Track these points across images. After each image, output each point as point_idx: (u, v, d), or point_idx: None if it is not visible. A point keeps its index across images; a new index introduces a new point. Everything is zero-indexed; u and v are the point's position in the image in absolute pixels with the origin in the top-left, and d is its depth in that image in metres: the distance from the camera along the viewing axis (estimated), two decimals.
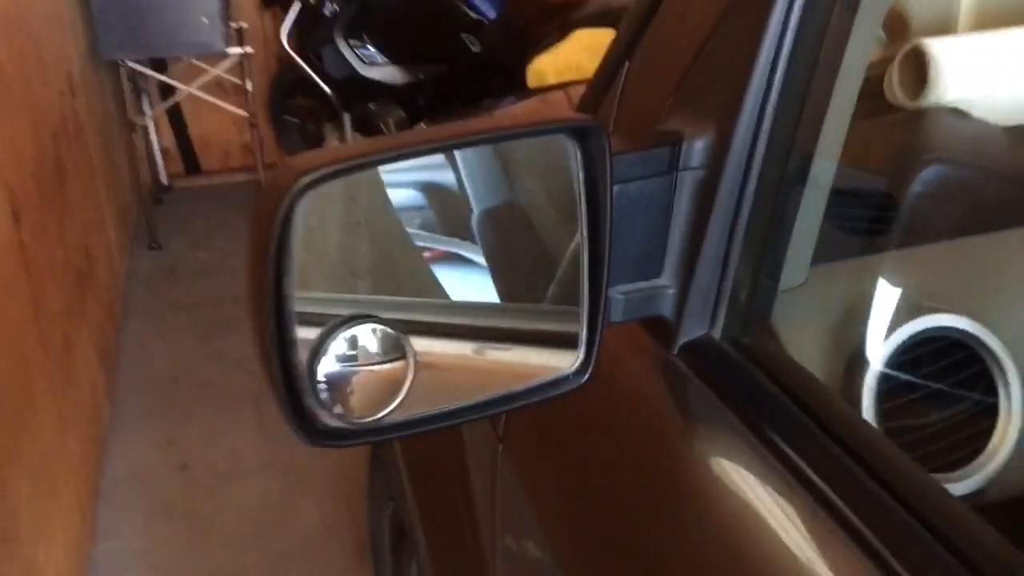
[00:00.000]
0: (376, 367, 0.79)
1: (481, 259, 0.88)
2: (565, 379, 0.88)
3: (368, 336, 0.79)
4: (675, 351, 0.94)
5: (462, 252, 0.90)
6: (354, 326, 0.76)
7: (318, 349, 0.75)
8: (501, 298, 0.92)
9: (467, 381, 0.85)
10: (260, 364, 0.77)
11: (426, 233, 0.91)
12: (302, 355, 0.75)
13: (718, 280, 0.91)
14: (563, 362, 0.89)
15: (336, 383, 0.77)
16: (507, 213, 0.96)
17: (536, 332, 0.91)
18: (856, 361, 0.95)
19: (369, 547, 2.24)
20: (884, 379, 0.95)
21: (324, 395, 0.76)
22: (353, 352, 0.79)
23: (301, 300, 0.74)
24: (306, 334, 0.75)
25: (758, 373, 0.87)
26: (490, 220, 0.94)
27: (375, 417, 0.79)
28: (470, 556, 1.30)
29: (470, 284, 0.91)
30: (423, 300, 0.89)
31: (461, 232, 0.89)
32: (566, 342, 0.90)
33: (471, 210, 0.89)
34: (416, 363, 0.80)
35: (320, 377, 0.75)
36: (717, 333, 0.93)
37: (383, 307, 0.83)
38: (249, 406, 3.17)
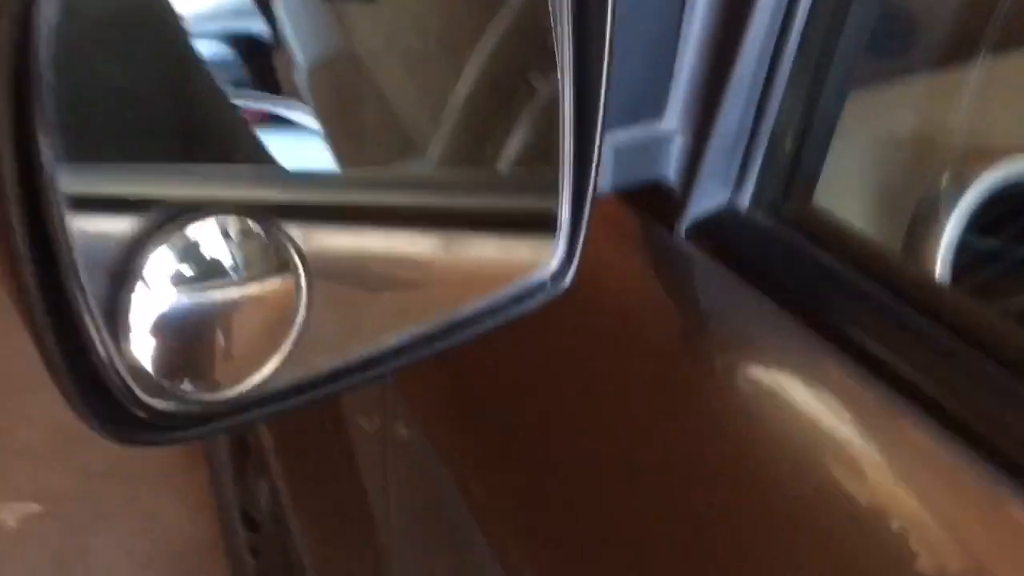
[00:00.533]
0: (241, 291, 0.44)
1: (313, 122, 0.53)
2: (539, 287, 0.55)
3: (217, 239, 0.44)
4: (681, 231, 0.63)
5: (288, 113, 0.55)
6: (195, 219, 0.41)
7: (129, 270, 0.39)
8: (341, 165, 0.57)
9: (387, 302, 0.51)
10: (15, 306, 0.40)
11: (243, 90, 0.55)
12: (94, 281, 0.39)
13: (752, 123, 0.59)
14: (524, 257, 0.57)
15: (170, 331, 0.42)
16: (346, 63, 0.60)
17: (480, 212, 0.58)
18: (926, 220, 0.67)
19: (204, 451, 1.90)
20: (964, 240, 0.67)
21: (148, 356, 0.41)
22: (196, 270, 0.43)
23: (76, 178, 0.38)
24: (94, 246, 0.39)
25: (813, 250, 0.58)
26: (323, 74, 0.58)
27: (249, 383, 0.44)
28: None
29: (302, 153, 0.57)
30: (295, 171, 0.54)
31: (285, 90, 0.58)
32: (525, 226, 0.57)
33: (297, 64, 0.55)
34: (309, 278, 0.45)
35: (136, 323, 0.39)
36: (745, 202, 0.62)
37: (221, 184, 0.47)
38: None
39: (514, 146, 0.55)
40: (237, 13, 0.54)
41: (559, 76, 0.54)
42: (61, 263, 0.38)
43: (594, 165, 0.55)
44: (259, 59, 0.55)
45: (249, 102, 0.54)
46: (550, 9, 0.53)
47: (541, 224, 0.57)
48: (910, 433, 0.52)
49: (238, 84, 0.53)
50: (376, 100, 0.60)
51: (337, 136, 0.55)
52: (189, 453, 2.25)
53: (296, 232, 0.47)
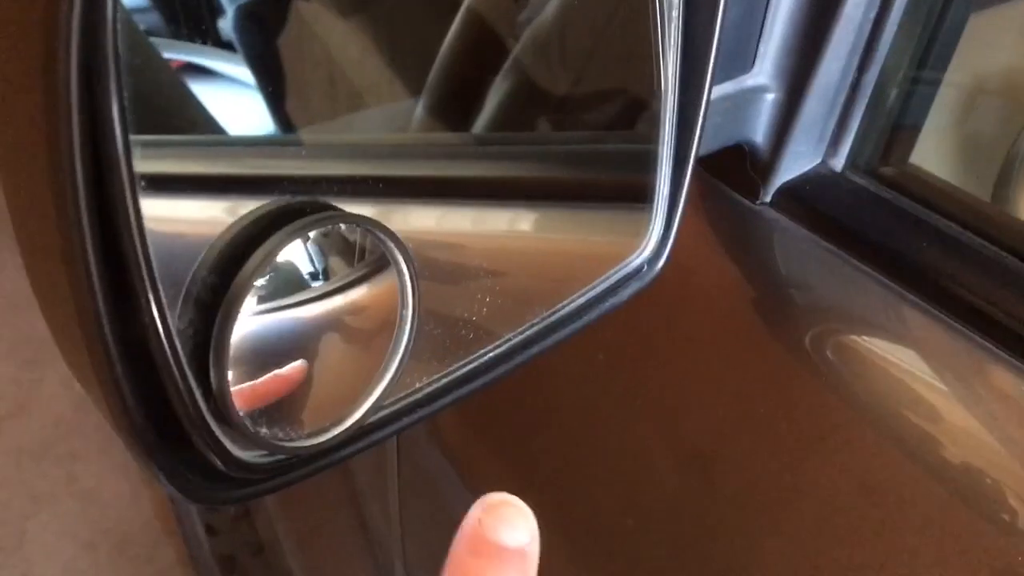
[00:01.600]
0: (335, 303, 0.36)
1: (240, 71, 0.44)
2: (636, 272, 0.48)
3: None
4: (766, 197, 0.56)
5: (213, 63, 0.46)
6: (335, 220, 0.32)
7: (230, 287, 0.30)
8: (281, 125, 0.47)
9: (483, 302, 0.43)
10: (65, 333, 0.31)
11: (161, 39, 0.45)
12: (174, 304, 0.30)
13: (855, 73, 0.52)
14: (613, 238, 0.49)
15: (259, 363, 0.33)
16: (279, 7, 0.51)
17: (558, 185, 0.50)
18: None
19: None
20: None
21: (238, 397, 0.32)
22: (274, 284, 0.34)
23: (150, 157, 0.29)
24: (180, 253, 0.30)
25: (916, 211, 0.52)
26: (252, 18, 0.48)
27: (349, 420, 0.35)
28: None
29: (231, 107, 0.48)
30: (336, 143, 0.45)
31: (208, 38, 0.44)
32: (611, 200, 0.50)
33: (220, 10, 0.44)
34: (413, 272, 0.37)
35: (232, 357, 0.31)
36: (839, 163, 0.55)
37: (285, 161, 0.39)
38: None
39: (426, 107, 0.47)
40: None
41: (658, 25, 0.46)
42: (133, 272, 0.29)
43: (698, 129, 0.47)
44: (175, 4, 0.45)
45: (171, 53, 0.45)
46: None
47: (627, 196, 0.50)
48: (1016, 392, 0.48)
49: (153, 33, 0.44)
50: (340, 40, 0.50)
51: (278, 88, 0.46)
52: None
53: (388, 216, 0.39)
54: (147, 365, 0.30)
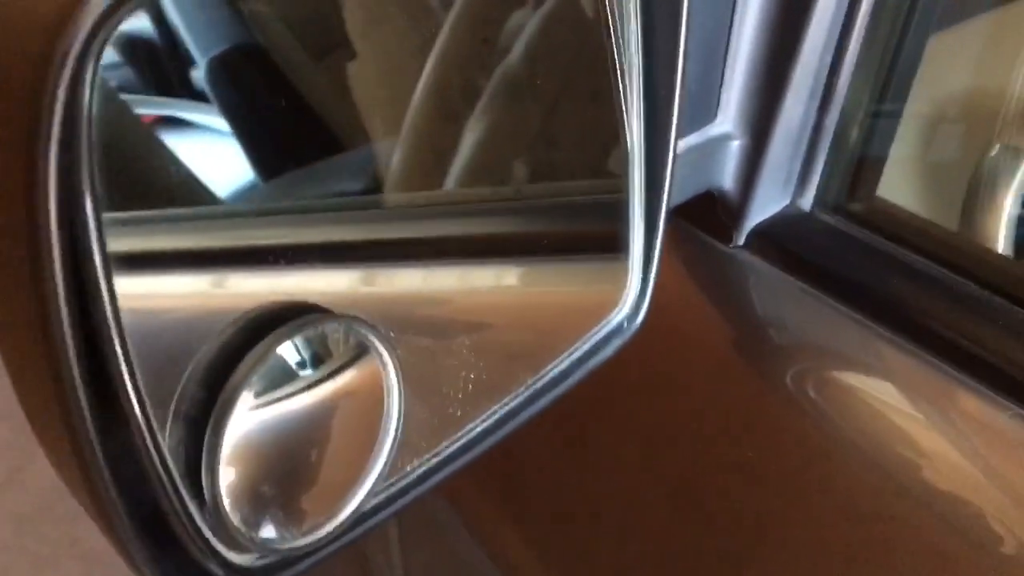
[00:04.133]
0: (322, 393, 0.36)
1: (216, 121, 0.45)
2: (619, 327, 0.49)
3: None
4: (739, 240, 0.57)
5: (187, 115, 0.46)
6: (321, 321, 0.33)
7: (223, 386, 0.31)
8: (261, 172, 0.48)
9: (467, 375, 0.44)
10: (42, 438, 0.32)
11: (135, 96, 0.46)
12: (163, 424, 0.31)
13: (816, 115, 0.53)
14: (589, 294, 0.50)
15: (250, 462, 0.34)
16: (252, 56, 0.52)
17: (520, 238, 0.51)
18: (983, 195, 0.63)
19: None
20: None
21: (231, 498, 0.33)
22: (267, 379, 0.35)
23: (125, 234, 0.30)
24: (162, 345, 0.31)
25: (884, 245, 0.53)
26: (225, 69, 0.49)
27: (344, 512, 0.36)
28: None
29: (208, 157, 0.48)
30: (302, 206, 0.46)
31: (182, 91, 0.46)
32: (582, 252, 0.51)
33: (192, 62, 0.45)
34: (397, 355, 0.37)
35: (224, 458, 0.32)
36: (807, 202, 0.56)
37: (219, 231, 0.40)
38: None
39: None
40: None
41: (619, 82, 0.47)
42: (122, 395, 0.29)
43: (667, 185, 0.48)
44: (146, 59, 0.46)
45: (144, 109, 0.46)
46: (609, 17, 0.45)
47: (604, 247, 0.51)
48: (995, 423, 0.49)
49: (126, 90, 0.44)
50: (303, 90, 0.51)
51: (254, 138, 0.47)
52: None
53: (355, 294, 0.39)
54: (140, 482, 0.31)
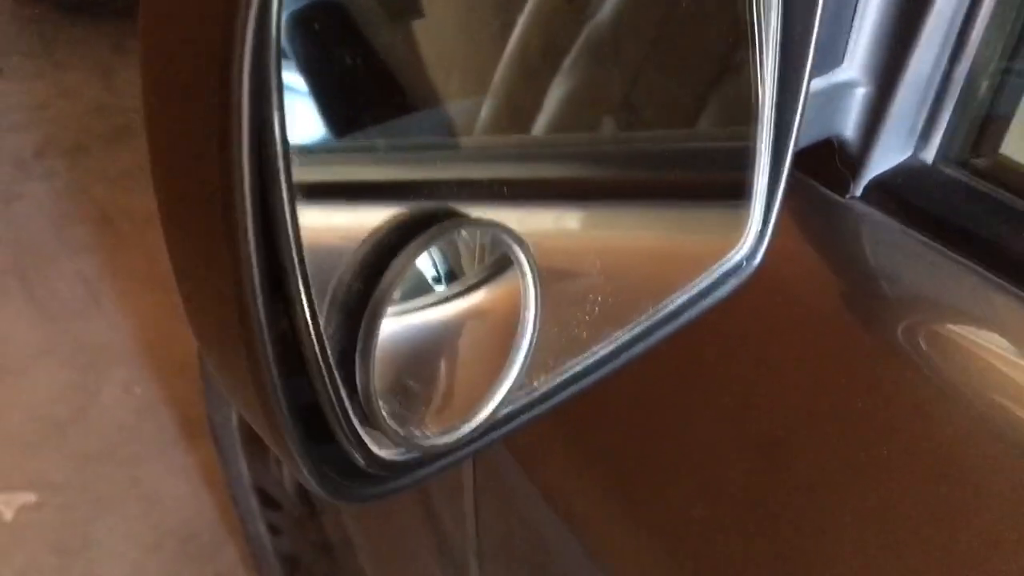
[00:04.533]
0: (461, 305, 0.37)
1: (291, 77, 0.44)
2: (735, 268, 0.48)
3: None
4: (857, 191, 0.56)
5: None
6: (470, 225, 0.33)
7: (375, 289, 0.31)
8: (335, 129, 0.47)
9: (593, 300, 0.44)
10: (218, 338, 0.33)
11: None
12: (321, 309, 0.31)
13: (946, 64, 0.52)
14: (709, 235, 0.50)
15: (397, 365, 0.34)
16: (331, 12, 0.51)
17: (655, 183, 0.50)
18: None
19: (204, 425, 1.79)
20: None
21: (382, 397, 0.33)
22: (411, 287, 0.35)
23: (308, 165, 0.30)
24: (328, 258, 0.32)
25: (1010, 200, 0.52)
26: (303, 25, 0.48)
27: (479, 417, 0.36)
28: None
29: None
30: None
31: None
32: (708, 196, 0.51)
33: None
34: (535, 272, 0.37)
35: (378, 358, 0.32)
36: (930, 155, 0.55)
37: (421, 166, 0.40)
38: (14, 281, 2.54)
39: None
40: None
41: (754, 23, 0.47)
42: (290, 279, 0.30)
43: (796, 125, 0.48)
44: None
45: None
46: None
47: (722, 194, 0.50)
48: None
49: None
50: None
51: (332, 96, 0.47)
52: (188, 429, 2.16)
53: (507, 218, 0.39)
54: (298, 367, 0.32)
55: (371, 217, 0.36)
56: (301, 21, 0.46)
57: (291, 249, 0.29)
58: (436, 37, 0.49)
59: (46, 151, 3.10)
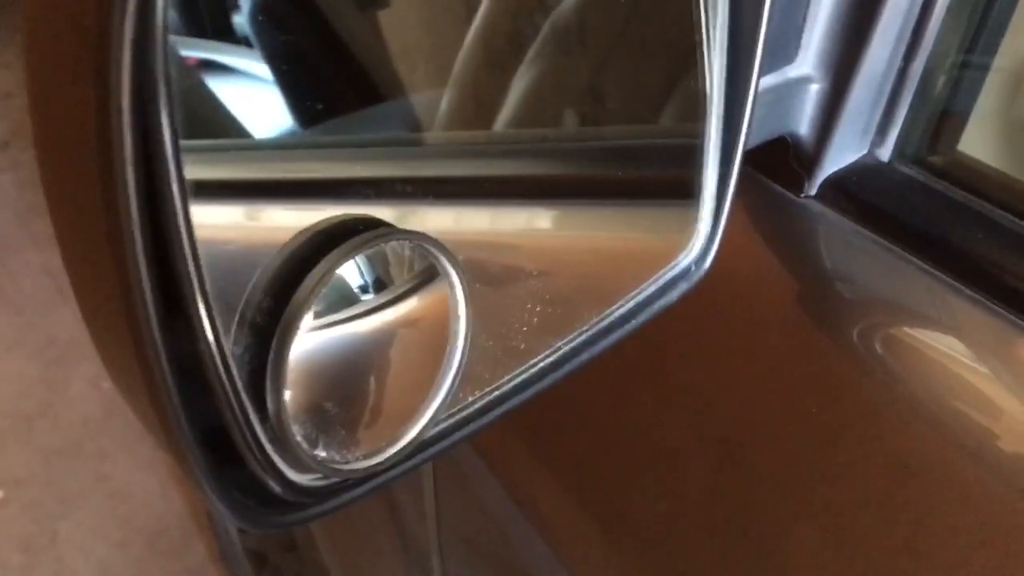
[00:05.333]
0: (387, 317, 0.35)
1: (257, 66, 0.42)
2: (685, 271, 0.47)
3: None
4: (811, 189, 0.54)
5: (228, 59, 0.44)
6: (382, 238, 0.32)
7: (289, 304, 0.30)
8: (301, 119, 0.46)
9: (534, 308, 0.42)
10: (108, 350, 0.31)
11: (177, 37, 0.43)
12: (228, 328, 0.29)
13: (902, 61, 0.51)
14: (658, 237, 0.48)
15: (315, 384, 0.32)
16: (298, 1, 0.50)
17: (589, 181, 0.49)
18: None
19: None
20: None
21: (296, 419, 0.31)
22: (328, 299, 0.33)
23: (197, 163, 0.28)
24: (230, 265, 0.30)
25: (967, 200, 0.51)
26: (269, 13, 0.47)
27: (406, 437, 0.35)
28: None
29: (247, 102, 0.46)
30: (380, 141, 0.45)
31: (224, 35, 0.43)
32: (654, 196, 0.49)
33: (236, 6, 0.43)
34: (467, 286, 0.36)
35: (290, 377, 0.30)
36: (886, 153, 0.54)
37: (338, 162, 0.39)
38: None
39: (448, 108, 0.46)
40: None
41: (702, 17, 0.45)
42: (188, 296, 0.28)
43: (745, 124, 0.46)
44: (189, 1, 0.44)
45: (186, 51, 0.44)
46: None
47: (670, 193, 0.49)
48: None
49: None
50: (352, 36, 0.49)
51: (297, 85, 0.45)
52: None
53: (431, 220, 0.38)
54: (202, 390, 0.30)
55: (298, 222, 0.34)
56: (265, 10, 0.45)
57: (187, 262, 0.27)
58: (400, 28, 0.47)
59: (11, 142, 3.05)
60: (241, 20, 0.45)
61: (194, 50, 0.43)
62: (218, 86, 0.42)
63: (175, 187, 0.26)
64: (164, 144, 0.26)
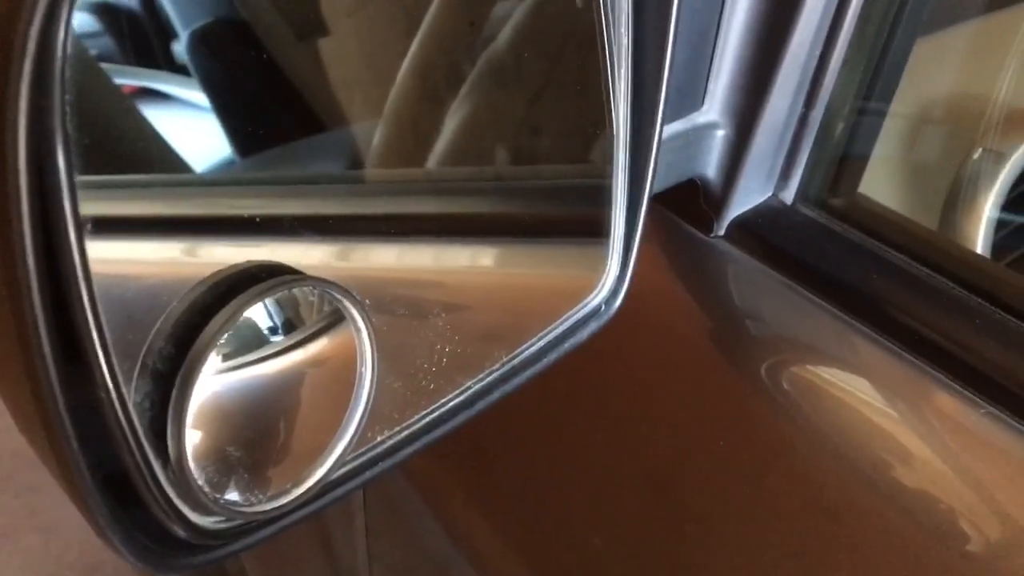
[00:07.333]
0: (294, 359, 0.36)
1: (195, 95, 0.44)
2: (595, 310, 0.48)
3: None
4: (720, 230, 0.57)
5: (167, 88, 0.45)
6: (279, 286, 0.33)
7: (192, 347, 0.30)
8: (239, 148, 0.47)
9: (442, 349, 0.43)
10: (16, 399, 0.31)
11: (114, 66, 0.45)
12: (129, 377, 0.30)
13: (802, 108, 0.53)
14: (568, 276, 0.50)
15: (217, 425, 0.33)
16: (236, 31, 0.51)
17: (500, 219, 0.50)
18: (964, 198, 0.63)
19: None
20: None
21: (198, 461, 0.32)
22: (235, 341, 0.34)
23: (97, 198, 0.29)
24: (131, 304, 0.31)
25: (866, 241, 0.53)
26: (207, 42, 0.48)
27: (312, 479, 0.35)
28: None
29: (186, 131, 0.47)
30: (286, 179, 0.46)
31: (163, 63, 0.46)
32: (564, 234, 0.51)
33: (174, 35, 0.44)
34: (371, 323, 0.37)
35: (191, 420, 0.31)
36: (790, 195, 0.56)
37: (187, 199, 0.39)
38: None
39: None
40: None
41: (608, 66, 0.47)
42: (86, 342, 0.29)
43: (651, 170, 0.48)
44: (127, 29, 0.45)
45: (124, 79, 0.45)
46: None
47: (584, 231, 0.50)
48: (967, 421, 0.49)
49: (105, 59, 0.43)
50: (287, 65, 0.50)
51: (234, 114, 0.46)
52: None
53: (329, 262, 0.39)
54: (103, 437, 0.30)
55: (223, 258, 0.35)
56: (204, 38, 0.45)
57: (85, 311, 0.28)
58: (340, 59, 0.48)
59: None
60: (180, 48, 0.46)
61: (131, 78, 0.43)
62: (155, 114, 0.43)
63: (71, 231, 0.27)
64: (59, 175, 0.26)
